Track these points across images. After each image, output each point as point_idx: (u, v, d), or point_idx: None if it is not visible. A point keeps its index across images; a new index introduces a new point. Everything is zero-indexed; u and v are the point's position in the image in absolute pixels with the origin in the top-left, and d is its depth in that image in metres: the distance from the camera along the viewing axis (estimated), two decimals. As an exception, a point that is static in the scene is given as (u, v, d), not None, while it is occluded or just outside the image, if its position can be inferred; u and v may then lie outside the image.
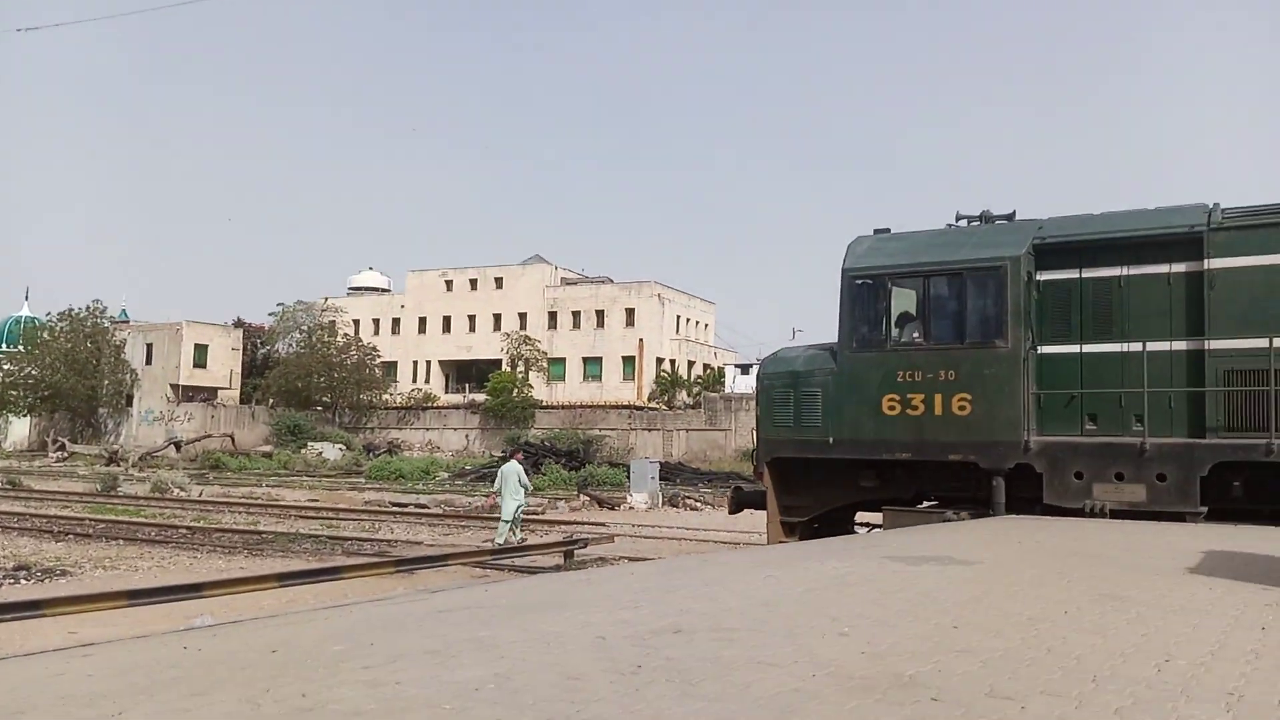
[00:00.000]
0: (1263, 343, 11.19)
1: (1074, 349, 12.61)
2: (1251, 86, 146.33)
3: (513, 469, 18.92)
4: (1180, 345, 11.97)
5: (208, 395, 67.89)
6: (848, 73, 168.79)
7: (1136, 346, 11.94)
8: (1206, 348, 11.72)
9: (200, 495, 32.12)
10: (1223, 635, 5.08)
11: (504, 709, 3.65)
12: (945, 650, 4.68)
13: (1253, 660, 4.50)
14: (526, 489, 19.22)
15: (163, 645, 5.28)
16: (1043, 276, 12.78)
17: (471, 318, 70.46)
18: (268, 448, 56.14)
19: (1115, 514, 11.64)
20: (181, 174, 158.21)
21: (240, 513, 26.74)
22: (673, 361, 66.62)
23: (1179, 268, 12.07)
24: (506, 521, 18.20)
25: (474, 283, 70.96)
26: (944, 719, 3.55)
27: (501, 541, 17.79)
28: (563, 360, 66.95)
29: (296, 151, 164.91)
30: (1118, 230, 12.47)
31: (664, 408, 59.27)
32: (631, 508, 28.72)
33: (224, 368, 69.67)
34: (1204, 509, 11.32)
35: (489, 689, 3.94)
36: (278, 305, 71.87)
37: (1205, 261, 11.78)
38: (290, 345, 70.05)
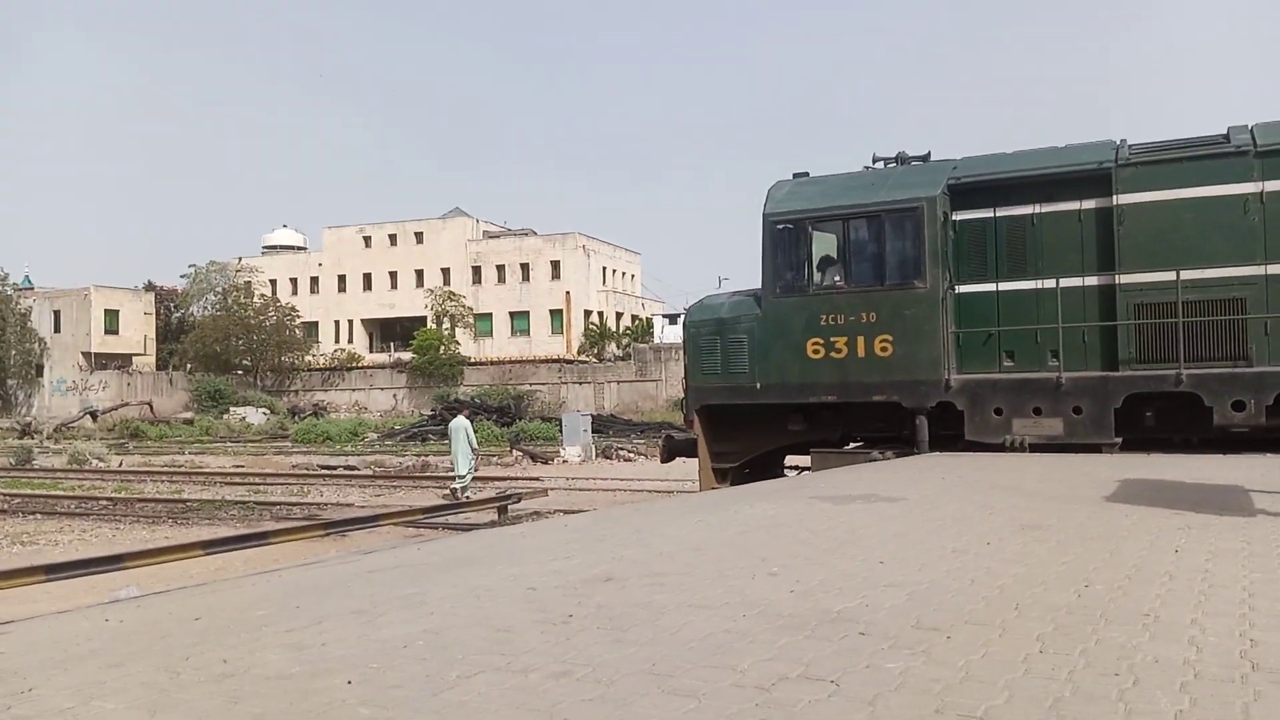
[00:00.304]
0: (1170, 276, 11.52)
1: (990, 287, 12.84)
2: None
3: (461, 424, 20.37)
4: (1092, 281, 12.27)
5: (122, 363, 65.83)
6: (769, 19, 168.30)
7: (1050, 283, 12.21)
8: (1117, 282, 12.03)
9: (120, 465, 31.24)
10: (1139, 559, 5.24)
11: (434, 664, 3.61)
12: (872, 585, 4.76)
13: (1167, 582, 4.66)
14: (472, 446, 20.40)
15: (83, 619, 5.11)
16: (958, 216, 12.96)
17: (393, 274, 69.26)
18: (188, 414, 54.80)
19: (1034, 447, 11.97)
20: (82, 134, 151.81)
21: (163, 482, 26.09)
22: (600, 314, 66.46)
23: (1089, 204, 12.33)
24: (462, 476, 19.68)
25: (393, 238, 69.64)
26: (871, 652, 3.60)
27: (468, 495, 19.05)
28: (489, 315, 66.33)
29: (202, 107, 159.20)
30: (1030, 169, 12.67)
31: (594, 360, 59.25)
32: (565, 461, 28.74)
33: (137, 333, 67.53)
34: (1119, 439, 11.70)
35: (418, 645, 3.89)
36: (190, 267, 69.83)
37: (1114, 198, 12.05)
38: (205, 308, 68.24)
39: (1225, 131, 11.87)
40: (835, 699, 3.10)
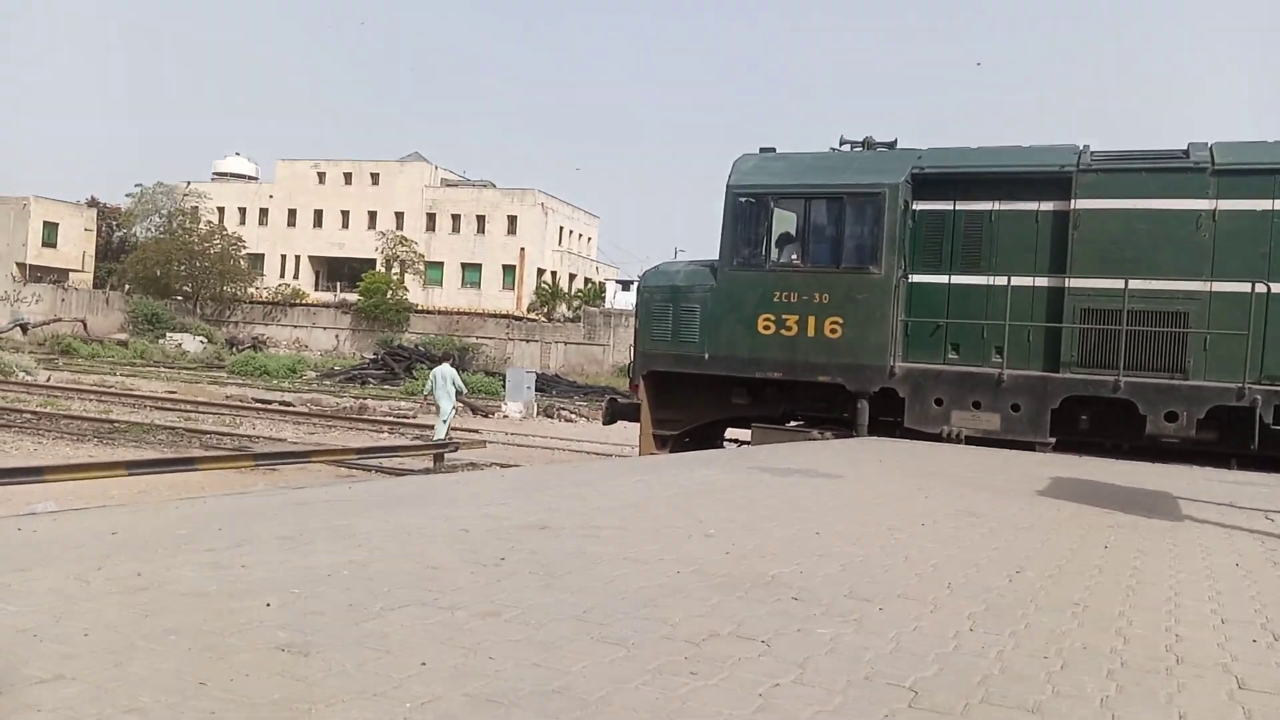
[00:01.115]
0: (1118, 283, 11.67)
1: (943, 279, 12.91)
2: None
3: (446, 372, 20.22)
4: (1043, 281, 12.39)
5: (58, 277, 63.82)
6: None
7: (1002, 280, 12.31)
8: (1067, 285, 12.16)
9: (48, 380, 30.39)
10: (1070, 551, 5.30)
11: (358, 594, 3.51)
12: (808, 554, 4.75)
13: (1097, 575, 4.71)
14: (461, 391, 20.81)
15: (-6, 527, 4.91)
16: (919, 206, 12.99)
17: (345, 213, 67.92)
18: (123, 336, 53.47)
19: (971, 440, 12.12)
20: (30, 42, 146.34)
21: (91, 400, 25.46)
22: (554, 273, 65.98)
23: (1047, 206, 12.43)
24: (444, 421, 19.89)
25: (348, 177, 68.20)
26: (804, 617, 3.58)
27: (441, 437, 19.01)
28: (440, 265, 65.48)
29: (164, 22, 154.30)
30: (992, 165, 12.73)
31: (543, 319, 58.91)
32: (506, 416, 28.53)
33: (76, 249, 65.51)
34: (1053, 439, 11.88)
35: (343, 575, 3.78)
36: (136, 187, 67.76)
37: (1072, 202, 12.15)
38: (149, 230, 66.37)
39: (1185, 147, 12.02)
40: (765, 658, 3.06)
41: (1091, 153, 12.36)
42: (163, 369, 41.61)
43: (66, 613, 3.12)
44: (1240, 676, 3.18)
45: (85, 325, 55.82)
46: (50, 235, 63.83)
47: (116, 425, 19.71)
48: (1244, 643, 3.62)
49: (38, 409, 21.70)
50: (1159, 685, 3.04)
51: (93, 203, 70.27)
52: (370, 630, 3.11)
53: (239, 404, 26.93)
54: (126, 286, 61.44)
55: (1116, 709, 2.79)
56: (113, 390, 28.59)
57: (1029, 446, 11.86)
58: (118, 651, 2.79)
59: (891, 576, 4.37)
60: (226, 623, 3.10)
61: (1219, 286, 11.54)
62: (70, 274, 64.60)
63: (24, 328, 52.88)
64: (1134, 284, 11.63)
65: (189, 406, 25.17)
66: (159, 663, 2.71)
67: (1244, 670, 3.26)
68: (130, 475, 11.78)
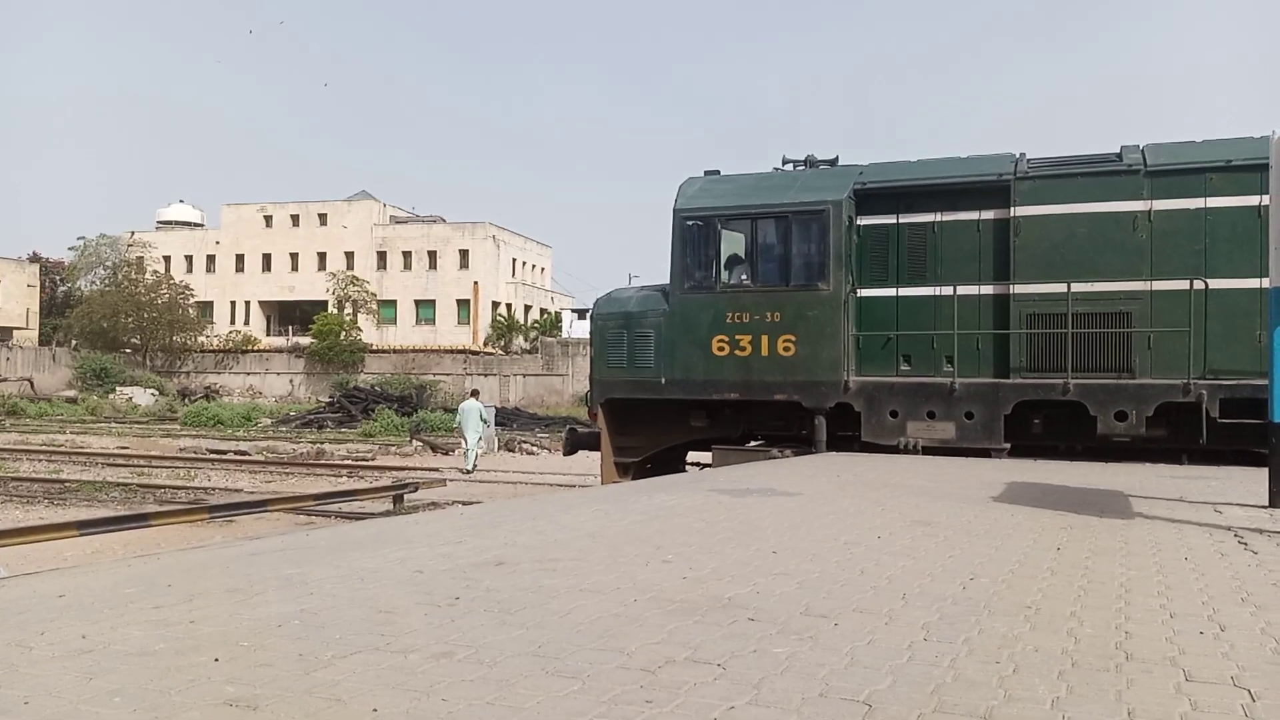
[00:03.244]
0: (1061, 288, 11.90)
1: (891, 292, 13.08)
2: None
3: (473, 406, 23.02)
4: (988, 289, 12.59)
5: (1, 336, 62.65)
6: (689, 17, 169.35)
7: (948, 290, 12.49)
8: (1011, 292, 12.37)
9: (-8, 443, 29.69)
10: (1023, 555, 5.36)
11: (308, 644, 3.45)
12: (764, 574, 4.75)
13: (1049, 577, 4.77)
14: (487, 423, 23.79)
15: (-67, 595, 4.78)
16: (863, 221, 13.16)
17: (294, 256, 67.36)
18: (72, 393, 52.41)
19: (927, 450, 12.24)
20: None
21: (40, 460, 24.88)
22: (509, 305, 65.82)
23: (988, 215, 12.65)
24: (470, 452, 22.46)
25: (296, 219, 67.71)
26: (760, 637, 3.58)
27: (470, 468, 21.87)
28: (393, 303, 65.10)
29: (102, 71, 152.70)
30: (932, 177, 12.95)
31: (500, 353, 58.71)
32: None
33: (19, 306, 64.29)
34: (1008, 445, 12.03)
35: (293, 625, 3.73)
36: (78, 239, 66.73)
37: (1011, 209, 12.39)
38: (94, 283, 65.33)
39: (1118, 150, 12.31)
40: (721, 681, 3.06)
41: (1028, 160, 12.62)
42: (114, 424, 40.82)
43: (6, 681, 3.04)
44: (1188, 669, 3.23)
45: (32, 384, 54.69)
46: (-8, 293, 62.62)
47: (67, 485, 19.28)
48: (1192, 635, 3.68)
49: (-16, 472, 21.18)
50: (1109, 683, 3.08)
51: (35, 258, 69.06)
52: (320, 679, 3.06)
53: (193, 456, 26.47)
54: (73, 342, 60.37)
55: (1067, 709, 2.82)
56: (63, 449, 27.99)
57: (985, 453, 12.01)
58: (59, 718, 2.72)
59: (847, 591, 4.39)
60: (173, 681, 3.04)
61: (1159, 285, 11.80)
62: (14, 332, 63.33)
63: (-33, 390, 51.66)
64: (1076, 287, 11.86)
65: (142, 461, 24.70)
66: (101, 727, 2.65)
67: (1191, 663, 3.31)
68: (82, 535, 11.54)
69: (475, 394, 25.24)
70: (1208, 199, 11.70)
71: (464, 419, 22.95)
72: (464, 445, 23.08)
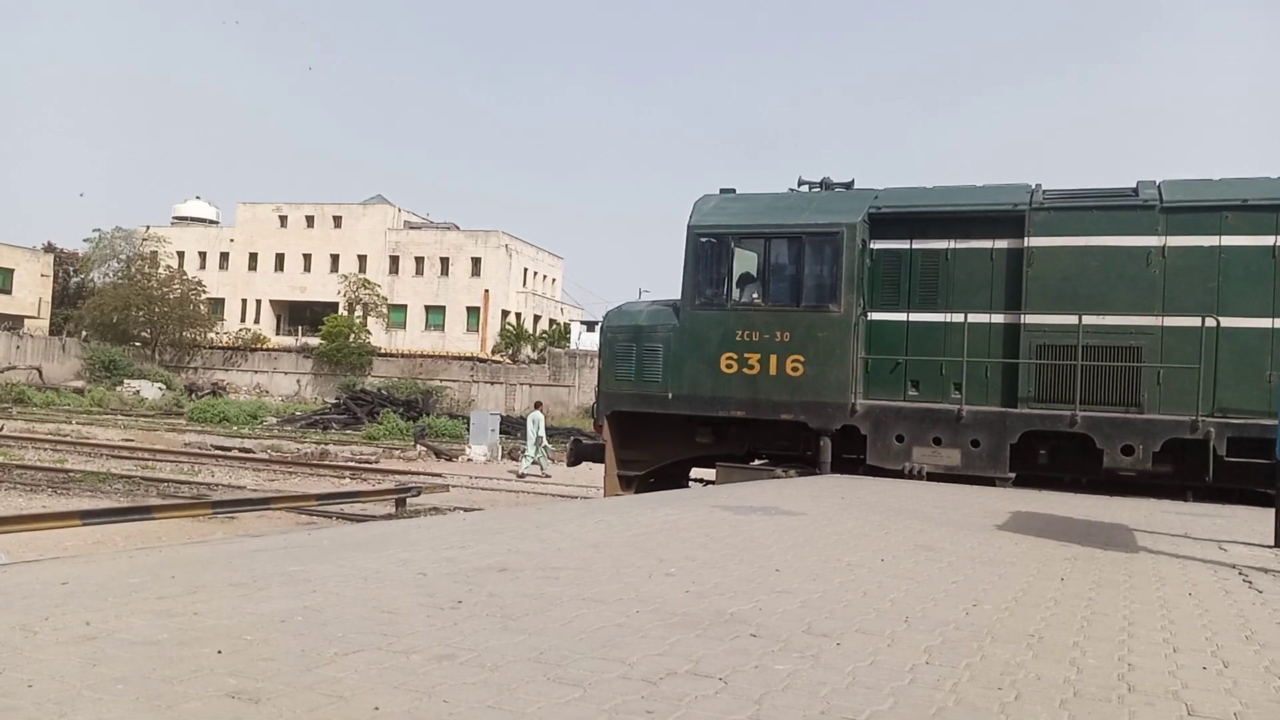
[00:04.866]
0: (1072, 319, 11.89)
1: (902, 317, 13.08)
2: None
3: (536, 417, 24.80)
4: (999, 318, 12.58)
5: (12, 324, 62.80)
6: (708, 33, 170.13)
7: (959, 317, 12.49)
8: (1022, 322, 12.35)
9: (1, 430, 29.78)
10: (1026, 584, 5.35)
11: (311, 640, 3.46)
12: (767, 591, 4.75)
13: (1052, 606, 4.75)
14: (540, 434, 24.46)
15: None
16: (876, 245, 13.18)
17: (307, 257, 67.60)
18: (79, 383, 52.57)
19: (932, 476, 12.21)
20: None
21: (45, 449, 24.96)
22: (518, 315, 65.94)
23: (1001, 244, 12.66)
24: (526, 456, 24.28)
25: (310, 220, 67.98)
26: (761, 653, 3.58)
27: (531, 469, 23.89)
28: (404, 307, 65.25)
29: (124, 64, 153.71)
30: (947, 205, 12.96)
31: (508, 361, 58.73)
32: (470, 460, 28.33)
33: (32, 295, 64.58)
34: (1013, 474, 12.00)
35: (296, 621, 3.74)
36: (94, 231, 67.10)
37: (1025, 239, 12.39)
38: (107, 275, 65.64)
39: (1134, 185, 12.32)
40: (722, 695, 3.06)
41: (1044, 191, 12.63)
42: (120, 416, 40.94)
43: (10, 664, 3.06)
44: (1189, 703, 3.22)
45: (40, 373, 54.86)
46: (5, 281, 62.93)
47: (71, 475, 19.34)
48: (1194, 670, 3.67)
49: (-10, 459, 21.25)
50: (1111, 713, 3.07)
51: (49, 248, 69.40)
52: (323, 676, 3.07)
53: (198, 451, 26.53)
54: (84, 333, 60.59)
55: (1068, 738, 2.82)
56: (68, 439, 28.08)
57: (989, 482, 11.97)
58: (62, 702, 2.73)
59: (850, 612, 4.39)
60: (175, 671, 3.05)
61: (1170, 321, 11.78)
62: (25, 320, 63.64)
63: (-24, 376, 51.84)
64: (1088, 319, 11.85)
65: (146, 454, 24.76)
66: (104, 712, 2.66)
67: (1193, 697, 3.30)
68: (85, 525, 11.57)
69: (539, 405, 27.32)
70: (1222, 237, 11.69)
71: (528, 428, 24.96)
72: (528, 452, 24.76)
